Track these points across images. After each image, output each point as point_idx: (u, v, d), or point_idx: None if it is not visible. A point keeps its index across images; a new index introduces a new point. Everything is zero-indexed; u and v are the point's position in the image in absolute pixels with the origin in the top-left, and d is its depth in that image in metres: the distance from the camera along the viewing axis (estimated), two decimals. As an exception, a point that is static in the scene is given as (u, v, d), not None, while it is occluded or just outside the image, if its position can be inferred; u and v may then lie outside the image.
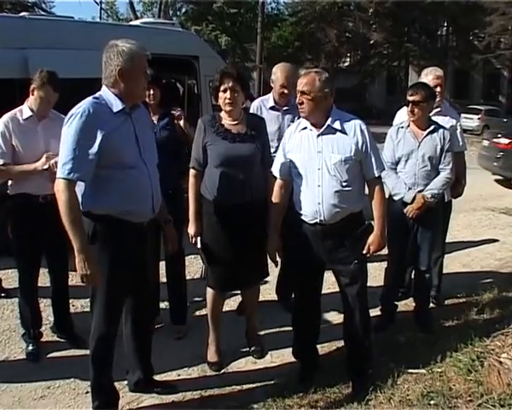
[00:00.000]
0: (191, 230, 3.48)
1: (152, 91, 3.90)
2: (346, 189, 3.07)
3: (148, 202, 2.85)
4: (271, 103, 4.23)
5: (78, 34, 6.16)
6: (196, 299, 4.67)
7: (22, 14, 6.84)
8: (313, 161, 3.09)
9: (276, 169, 3.32)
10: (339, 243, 3.13)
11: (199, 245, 3.45)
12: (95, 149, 2.61)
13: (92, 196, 2.72)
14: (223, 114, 3.44)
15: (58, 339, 3.96)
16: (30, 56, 5.57)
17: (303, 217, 3.17)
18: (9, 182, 3.64)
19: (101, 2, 27.89)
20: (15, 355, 3.78)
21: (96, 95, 2.77)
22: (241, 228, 3.37)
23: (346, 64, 33.87)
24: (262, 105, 4.24)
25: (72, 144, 2.61)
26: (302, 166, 3.14)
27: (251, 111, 4.11)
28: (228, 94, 3.32)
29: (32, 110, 3.56)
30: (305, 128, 3.16)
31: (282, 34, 31.36)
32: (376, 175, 3.13)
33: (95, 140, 2.62)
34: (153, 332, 3.33)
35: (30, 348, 3.75)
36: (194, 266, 5.19)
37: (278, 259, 3.46)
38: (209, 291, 3.61)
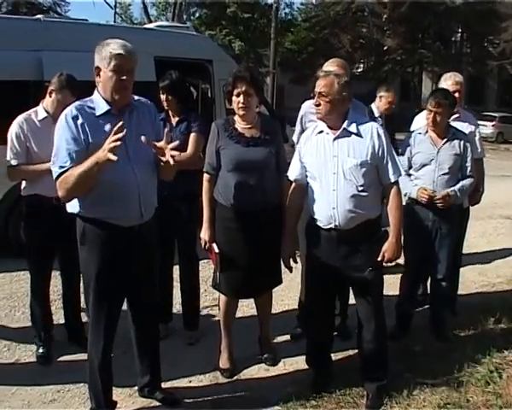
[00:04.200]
0: (204, 235, 3.44)
1: (166, 97, 3.88)
2: (362, 194, 3.01)
3: (134, 207, 2.78)
4: None
5: (92, 37, 6.12)
6: (209, 304, 4.65)
7: (38, 16, 6.87)
8: (329, 165, 3.04)
9: (291, 173, 3.28)
10: (354, 250, 3.07)
11: (216, 250, 3.39)
12: (77, 151, 2.61)
13: (78, 199, 2.73)
14: (236, 117, 3.40)
15: (69, 342, 3.92)
16: (44, 58, 5.60)
17: (317, 222, 3.12)
18: (23, 183, 3.64)
19: (115, 6, 28.05)
20: (26, 358, 3.76)
21: (87, 98, 2.77)
22: (254, 234, 3.33)
23: (360, 70, 33.76)
24: (309, 109, 3.98)
25: (59, 145, 2.64)
26: (317, 170, 3.09)
27: (300, 113, 4.06)
28: (241, 98, 3.28)
29: (47, 112, 3.55)
30: (322, 132, 3.11)
31: (295, 39, 31.33)
32: (393, 180, 3.07)
33: (77, 143, 2.62)
34: (159, 337, 3.28)
35: (40, 350, 3.72)
36: (206, 271, 5.16)
37: (293, 264, 3.40)
38: (222, 297, 3.56)
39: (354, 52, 31.35)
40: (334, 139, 3.05)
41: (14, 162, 3.50)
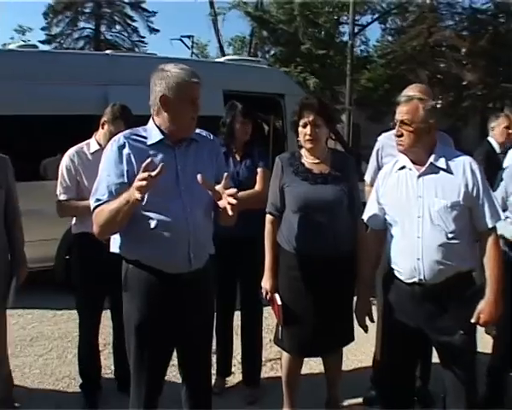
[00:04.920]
0: (266, 284, 3.05)
1: (248, 127, 3.60)
2: (453, 241, 2.51)
3: (181, 252, 2.40)
4: None
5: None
6: (274, 356, 4.25)
7: (107, 51, 6.91)
8: (412, 207, 2.57)
9: (366, 215, 2.83)
10: (441, 309, 2.56)
11: (278, 301, 3.00)
12: (117, 185, 2.33)
13: (121, 237, 2.43)
14: (303, 151, 3.03)
15: (118, 392, 3.63)
16: (110, 93, 5.51)
17: (398, 274, 2.65)
18: (73, 220, 3.42)
19: (192, 47, 28.77)
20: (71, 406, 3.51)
21: (141, 127, 2.48)
22: (323, 284, 2.91)
23: (438, 106, 32.74)
24: (388, 141, 3.58)
25: (101, 176, 2.39)
26: (399, 214, 2.63)
27: (376, 147, 3.63)
28: (308, 129, 2.92)
29: (99, 144, 3.34)
30: (403, 168, 2.66)
31: (371, 77, 30.90)
32: (490, 226, 2.55)
33: (118, 176, 2.34)
34: (211, 395, 2.84)
35: (86, 401, 3.47)
36: (271, 319, 4.76)
37: (368, 323, 2.94)
38: (284, 355, 3.15)
39: (432, 88, 30.39)
40: (419, 176, 2.58)
41: (63, 197, 3.30)
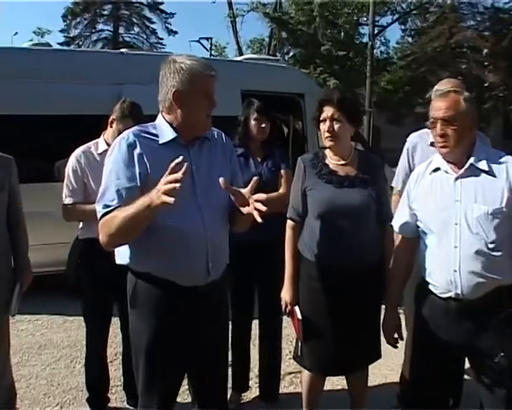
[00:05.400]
0: (286, 296, 2.82)
1: (264, 125, 3.37)
2: (494, 253, 2.24)
3: (199, 262, 2.17)
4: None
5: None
6: (293, 370, 4.00)
7: (122, 50, 6.75)
8: (449, 213, 2.30)
9: (396, 222, 2.58)
10: (480, 327, 2.29)
11: (299, 315, 2.76)
12: (128, 189, 2.08)
13: (129, 248, 2.18)
14: (327, 151, 2.79)
15: (127, 404, 3.48)
16: (124, 92, 5.33)
17: (432, 288, 2.39)
18: (80, 224, 3.22)
19: (210, 49, 28.64)
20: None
21: (149, 123, 2.24)
22: (347, 297, 2.67)
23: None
24: (420, 140, 3.38)
25: (108, 179, 2.12)
26: (433, 221, 2.36)
27: (406, 148, 3.38)
28: (327, 125, 2.67)
29: (108, 144, 3.12)
30: (438, 169, 2.40)
31: (391, 79, 30.52)
32: None
33: (129, 179, 2.08)
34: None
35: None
36: (290, 328, 4.53)
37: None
38: (305, 372, 2.90)
39: (454, 90, 30.02)
40: (457, 179, 2.32)
41: (69, 201, 3.11)
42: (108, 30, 32.06)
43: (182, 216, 2.08)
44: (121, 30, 32.34)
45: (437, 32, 28.74)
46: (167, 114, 2.19)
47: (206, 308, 2.22)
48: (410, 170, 3.10)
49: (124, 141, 2.13)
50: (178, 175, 1.81)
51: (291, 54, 27.57)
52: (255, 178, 2.07)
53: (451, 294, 2.30)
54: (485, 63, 29.77)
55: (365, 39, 26.08)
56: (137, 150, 2.11)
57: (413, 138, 3.37)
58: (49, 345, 4.56)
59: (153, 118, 2.27)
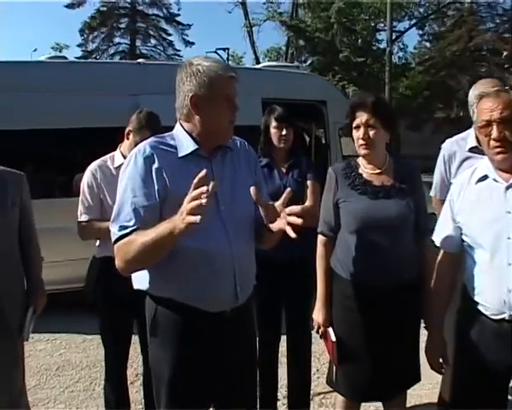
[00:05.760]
0: (318, 317, 2.61)
1: (284, 132, 3.18)
2: (552, 271, 2.02)
3: (227, 286, 1.98)
4: (472, 143, 2.98)
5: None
6: (322, 390, 3.77)
7: (139, 60, 6.65)
8: (500, 226, 2.08)
9: (438, 237, 2.36)
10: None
11: (332, 337, 2.55)
12: (146, 207, 1.90)
13: (148, 272, 1.99)
14: (360, 160, 2.58)
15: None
16: (141, 102, 5.19)
17: (482, 308, 2.16)
18: (97, 242, 3.05)
19: (227, 59, 28.63)
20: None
21: (167, 134, 2.06)
22: (384, 317, 2.44)
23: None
24: (457, 147, 3.14)
25: (124, 196, 1.93)
26: (482, 234, 2.14)
27: (442, 154, 3.17)
28: (361, 132, 2.45)
29: (124, 157, 2.95)
30: (486, 177, 2.18)
31: (410, 85, 30.21)
32: None
33: (147, 196, 1.90)
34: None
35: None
36: (319, 345, 4.32)
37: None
38: (339, 398, 2.68)
39: (474, 93, 29.61)
40: (508, 188, 2.10)
41: (84, 218, 2.94)
42: (125, 43, 32.19)
43: (205, 236, 1.89)
44: (138, 42, 32.44)
45: (456, 35, 28.43)
46: (186, 122, 2.01)
47: (232, 333, 2.04)
48: (447, 179, 2.89)
49: (140, 154, 1.95)
50: (203, 188, 1.62)
51: (309, 62, 27.44)
52: (288, 190, 1.87)
53: (505, 315, 2.08)
54: (506, 66, 29.34)
55: (383, 45, 25.93)
56: (155, 165, 1.93)
57: (449, 145, 3.15)
58: (68, 366, 4.41)
59: (171, 129, 2.09)
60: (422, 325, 2.57)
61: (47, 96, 5.28)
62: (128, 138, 2.98)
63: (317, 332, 2.64)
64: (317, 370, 4.09)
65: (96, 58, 30.24)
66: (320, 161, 6.59)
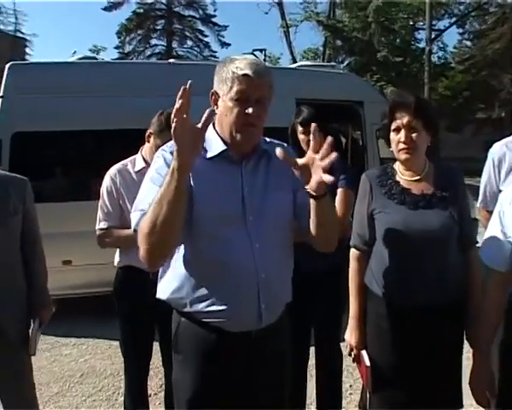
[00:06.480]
0: (351, 338, 2.39)
1: (307, 136, 2.97)
2: None
3: (248, 304, 1.82)
4: None
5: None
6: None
7: (170, 60, 6.53)
8: None
9: (486, 253, 2.12)
10: None
11: (367, 361, 2.32)
12: None
13: (170, 281, 1.87)
14: (397, 166, 2.35)
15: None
16: (171, 103, 5.06)
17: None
18: (117, 251, 2.91)
19: (264, 60, 28.55)
20: None
21: None
22: (423, 339, 2.21)
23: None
24: (507, 150, 2.93)
25: (146, 193, 1.80)
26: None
27: (489, 159, 2.94)
28: (402, 135, 2.22)
29: (145, 161, 2.81)
30: None
31: (449, 85, 29.52)
32: None
33: None
34: None
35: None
36: (348, 360, 4.11)
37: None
38: (372, 424, 2.46)
39: (517, 92, 28.73)
40: None
41: (103, 225, 2.80)
42: (162, 45, 32.47)
43: (226, 248, 1.76)
44: (174, 44, 32.67)
45: (498, 33, 27.61)
46: (217, 122, 1.89)
47: (258, 355, 1.88)
48: (497, 185, 2.64)
49: (167, 150, 1.85)
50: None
51: (346, 62, 27.17)
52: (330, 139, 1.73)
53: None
54: (550, 63, 28.40)
55: (422, 44, 25.45)
56: None
57: (497, 148, 2.89)
58: (92, 373, 4.31)
59: None
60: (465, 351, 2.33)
61: (76, 97, 5.23)
62: (149, 141, 2.83)
63: (350, 355, 2.42)
64: (350, 386, 3.88)
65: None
66: (357, 163, 6.34)
